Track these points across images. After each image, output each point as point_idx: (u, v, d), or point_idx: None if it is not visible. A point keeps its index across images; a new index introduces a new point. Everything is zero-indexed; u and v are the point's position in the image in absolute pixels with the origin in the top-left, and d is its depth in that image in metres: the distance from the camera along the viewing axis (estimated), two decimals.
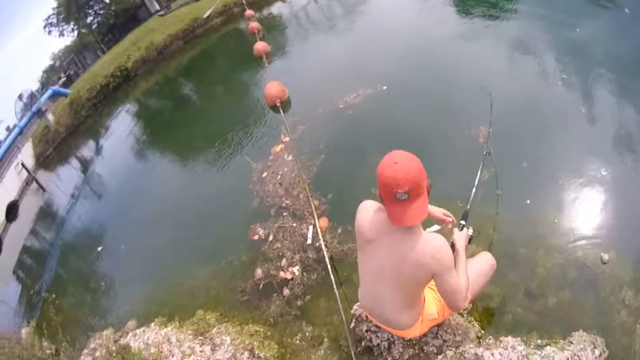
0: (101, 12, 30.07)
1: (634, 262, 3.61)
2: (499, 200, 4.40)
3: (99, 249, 6.60)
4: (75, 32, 30.68)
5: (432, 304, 2.70)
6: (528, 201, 4.38)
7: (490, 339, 3.13)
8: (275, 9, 16.21)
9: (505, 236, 3.75)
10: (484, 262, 2.98)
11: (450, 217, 2.88)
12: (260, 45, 10.78)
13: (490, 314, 3.49)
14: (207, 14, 16.70)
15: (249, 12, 14.93)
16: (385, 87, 6.97)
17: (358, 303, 3.44)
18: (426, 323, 2.72)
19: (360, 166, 5.44)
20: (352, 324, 3.48)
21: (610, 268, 3.60)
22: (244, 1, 16.65)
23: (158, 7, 28.97)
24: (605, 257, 3.65)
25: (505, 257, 3.62)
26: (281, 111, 7.43)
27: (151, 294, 5.15)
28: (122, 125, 12.02)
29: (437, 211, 2.87)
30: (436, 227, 2.79)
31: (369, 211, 2.46)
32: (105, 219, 7.62)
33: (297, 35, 12.62)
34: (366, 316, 3.30)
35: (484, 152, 3.17)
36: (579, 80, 6.01)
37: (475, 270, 2.83)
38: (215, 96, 10.00)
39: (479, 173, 3.11)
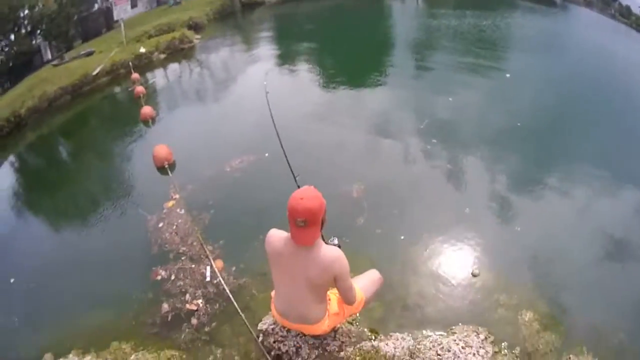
0: (6, 49, 28.11)
1: (501, 273, 4.78)
2: (378, 237, 5.44)
3: (11, 280, 6.26)
4: None
5: (334, 302, 3.34)
6: (402, 237, 5.39)
7: (381, 336, 3.83)
8: (159, 73, 16.83)
9: (381, 267, 4.38)
10: (373, 274, 3.74)
11: None
12: (147, 110, 11.00)
13: (375, 324, 4.21)
14: (97, 71, 16.41)
15: (134, 75, 15.03)
16: (267, 155, 7.68)
17: (262, 321, 3.98)
18: (332, 318, 3.32)
19: (247, 218, 6.10)
20: (260, 338, 3.91)
21: (481, 280, 4.70)
22: (130, 63, 16.88)
23: (50, 57, 28.00)
24: (476, 271, 4.76)
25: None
26: (169, 172, 7.79)
27: (64, 329, 5.04)
28: (18, 172, 11.42)
29: None
30: (336, 240, 3.46)
31: (277, 235, 3.08)
32: (14, 255, 7.17)
33: (180, 101, 13.15)
34: (272, 328, 3.80)
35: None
36: (446, 142, 7.69)
37: (368, 278, 3.62)
38: (104, 156, 9.90)
39: None
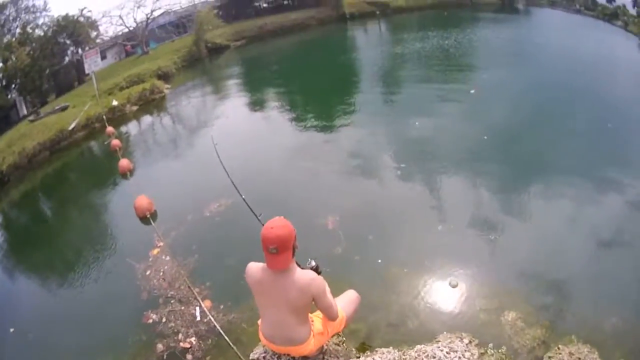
0: None
1: (479, 281, 5.02)
2: (357, 263, 5.69)
3: (11, 330, 6.30)
4: None
5: (318, 322, 3.55)
6: (379, 260, 5.64)
7: (367, 352, 4.02)
8: (133, 125, 17.19)
9: (362, 291, 4.35)
10: (351, 293, 3.97)
11: None
12: (124, 162, 11.19)
13: (362, 343, 4.39)
14: (72, 125, 16.49)
15: (109, 129, 15.21)
16: (243, 197, 7.84)
17: (253, 351, 4.08)
18: (317, 338, 3.48)
19: (230, 258, 6.27)
20: None
21: (460, 290, 4.92)
22: (104, 117, 17.12)
23: (26, 112, 28.03)
24: (454, 282, 4.99)
25: (363, 306, 4.25)
26: (152, 221, 7.98)
27: None
28: (6, 228, 11.48)
29: None
30: (313, 262, 3.69)
31: (255, 266, 3.34)
32: (11, 308, 7.17)
33: (156, 151, 13.48)
34: (263, 356, 3.95)
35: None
36: (415, 165, 8.06)
37: (346, 299, 3.83)
38: (88, 210, 10.09)
39: None
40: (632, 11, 17.28)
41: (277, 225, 3.07)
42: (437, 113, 10.33)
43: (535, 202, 6.46)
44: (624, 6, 17.76)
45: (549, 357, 3.92)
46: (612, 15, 17.76)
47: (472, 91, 11.44)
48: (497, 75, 12.77)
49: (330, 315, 3.40)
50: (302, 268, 3.39)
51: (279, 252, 3.02)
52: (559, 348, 4.00)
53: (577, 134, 8.26)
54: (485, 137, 8.46)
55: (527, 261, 5.31)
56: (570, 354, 3.88)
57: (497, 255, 5.50)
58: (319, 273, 3.63)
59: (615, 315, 4.33)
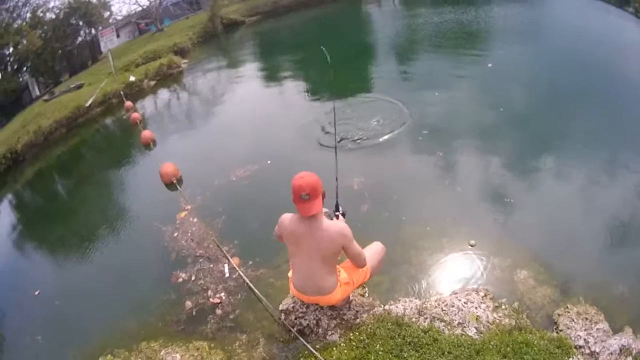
0: None
1: (495, 241, 5.23)
2: (384, 220, 5.95)
3: (36, 293, 6.61)
4: None
5: (344, 273, 3.83)
6: (404, 218, 5.90)
7: (390, 301, 4.30)
8: (152, 99, 17.47)
9: (387, 246, 4.50)
10: (376, 245, 4.23)
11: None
12: (147, 133, 11.39)
13: (385, 295, 4.65)
14: (89, 102, 16.70)
15: (128, 103, 15.50)
16: (269, 162, 8.20)
17: (282, 303, 4.46)
18: (343, 287, 3.78)
19: (258, 218, 6.54)
20: (282, 317, 4.34)
21: (478, 248, 5.14)
22: (121, 92, 17.44)
23: (38, 93, 28.41)
24: (472, 242, 5.21)
25: (387, 261, 4.52)
26: (178, 187, 8.24)
27: (91, 337, 5.27)
28: (28, 203, 12.03)
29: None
30: (341, 209, 4.11)
31: (289, 218, 3.67)
32: (39, 276, 7.47)
33: (177, 122, 13.72)
34: (292, 307, 4.24)
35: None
36: (436, 132, 8.19)
37: (371, 250, 4.08)
38: (114, 180, 10.42)
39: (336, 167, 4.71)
40: None
41: (306, 175, 3.41)
42: (456, 84, 10.39)
43: (550, 170, 6.60)
44: None
45: (559, 315, 4.09)
46: (623, 1, 17.57)
47: (490, 65, 11.50)
48: (513, 51, 12.73)
49: (359, 262, 3.71)
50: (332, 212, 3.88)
51: (310, 197, 3.35)
52: (567, 307, 4.16)
53: (589, 109, 8.20)
54: (502, 109, 8.55)
55: (539, 225, 5.49)
56: (579, 313, 4.03)
57: (512, 218, 5.70)
58: (343, 215, 4.12)
59: (622, 284, 4.47)
